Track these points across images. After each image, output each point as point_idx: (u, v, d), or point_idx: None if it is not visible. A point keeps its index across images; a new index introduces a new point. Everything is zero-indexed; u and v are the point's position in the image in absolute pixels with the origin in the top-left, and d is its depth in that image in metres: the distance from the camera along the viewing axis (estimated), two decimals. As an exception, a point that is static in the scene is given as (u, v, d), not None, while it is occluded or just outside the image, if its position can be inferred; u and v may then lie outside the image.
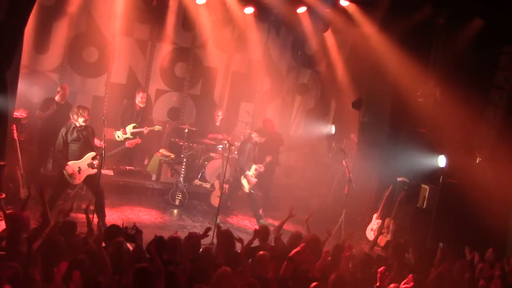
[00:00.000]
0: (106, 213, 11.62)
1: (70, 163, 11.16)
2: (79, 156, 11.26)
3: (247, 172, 13.46)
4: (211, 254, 7.87)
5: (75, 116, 11.22)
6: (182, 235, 8.92)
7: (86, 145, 11.31)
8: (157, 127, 14.96)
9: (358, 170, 13.73)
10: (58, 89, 13.46)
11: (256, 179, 13.55)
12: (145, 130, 14.55)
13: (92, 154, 11.29)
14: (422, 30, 12.98)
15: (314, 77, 18.01)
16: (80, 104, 13.03)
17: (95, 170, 11.32)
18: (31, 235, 7.65)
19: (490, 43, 12.32)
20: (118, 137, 14.49)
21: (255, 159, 13.80)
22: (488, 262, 9.77)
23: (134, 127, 14.52)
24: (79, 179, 11.30)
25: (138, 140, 12.51)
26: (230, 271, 6.94)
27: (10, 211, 9.53)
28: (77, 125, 11.21)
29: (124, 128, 14.50)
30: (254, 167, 13.59)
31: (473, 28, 12.48)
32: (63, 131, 11.30)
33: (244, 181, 13.54)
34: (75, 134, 11.25)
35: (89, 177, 11.39)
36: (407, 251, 9.65)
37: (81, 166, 11.23)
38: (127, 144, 12.27)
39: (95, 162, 11.29)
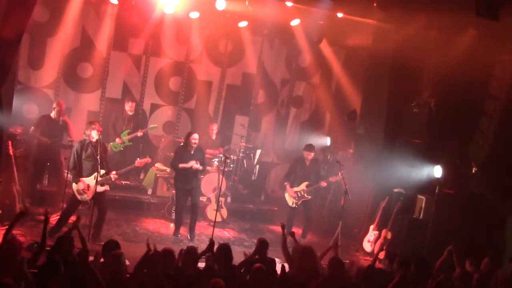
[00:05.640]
0: (102, 228, 11.80)
1: (82, 179, 11.35)
2: (90, 173, 11.42)
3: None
4: (212, 270, 7.86)
5: (87, 131, 11.42)
6: (179, 249, 8.90)
7: (99, 162, 11.37)
8: (152, 126, 15.05)
9: (354, 182, 13.71)
10: (54, 105, 13.38)
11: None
12: (139, 133, 14.62)
13: (103, 171, 11.39)
14: (416, 41, 13.00)
15: (308, 89, 18.03)
16: (74, 119, 13.21)
17: (103, 188, 11.50)
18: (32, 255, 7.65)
19: (484, 53, 12.34)
20: (115, 147, 14.51)
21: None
22: (484, 272, 9.75)
23: (129, 133, 14.57)
24: (88, 196, 11.44)
25: (148, 160, 12.52)
26: (222, 282, 6.97)
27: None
28: (92, 140, 11.39)
29: (119, 137, 14.52)
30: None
31: (467, 38, 12.52)
32: (77, 147, 11.50)
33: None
34: (89, 151, 11.44)
35: (97, 194, 11.46)
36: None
37: (90, 183, 11.35)
38: (136, 163, 12.26)
39: (107, 178, 11.46)
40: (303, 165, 13.89)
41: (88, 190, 11.38)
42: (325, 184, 13.88)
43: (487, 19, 10.38)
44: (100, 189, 11.42)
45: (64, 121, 13.42)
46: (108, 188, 14.06)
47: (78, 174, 11.44)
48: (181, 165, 12.85)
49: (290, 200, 13.74)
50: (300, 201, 13.65)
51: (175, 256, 7.95)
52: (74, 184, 11.46)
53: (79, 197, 11.44)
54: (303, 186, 13.66)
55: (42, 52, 14.81)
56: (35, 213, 12.01)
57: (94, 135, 11.37)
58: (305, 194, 13.63)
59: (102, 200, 11.61)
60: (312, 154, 13.82)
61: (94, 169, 11.36)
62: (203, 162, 13.16)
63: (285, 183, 13.94)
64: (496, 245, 12.24)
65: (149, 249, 7.76)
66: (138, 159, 12.36)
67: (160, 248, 8.11)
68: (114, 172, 11.51)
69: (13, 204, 11.58)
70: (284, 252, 9.32)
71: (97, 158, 11.28)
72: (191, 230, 13.18)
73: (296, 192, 13.66)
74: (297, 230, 13.22)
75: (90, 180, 11.37)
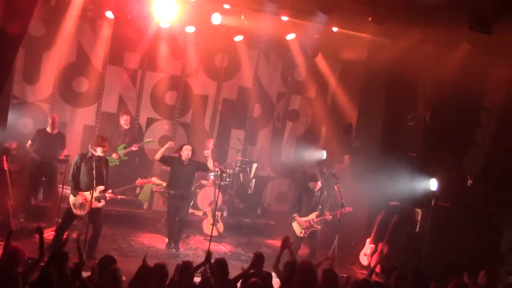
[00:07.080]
0: (97, 246, 11.59)
1: (81, 193, 11.20)
2: (88, 187, 11.25)
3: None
4: (208, 285, 7.83)
5: (94, 146, 11.25)
6: (175, 263, 8.87)
7: (98, 177, 11.21)
8: (147, 140, 15.05)
9: (350, 195, 13.69)
10: (48, 119, 13.45)
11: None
12: (133, 147, 14.63)
13: (101, 187, 11.27)
14: (411, 55, 13.04)
15: (304, 103, 18.06)
16: (70, 133, 13.17)
17: (101, 204, 11.32)
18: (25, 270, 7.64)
19: (478, 66, 12.41)
20: (111, 162, 14.46)
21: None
22: (481, 285, 9.71)
23: (124, 148, 14.56)
24: (84, 210, 11.25)
25: (149, 180, 12.51)
26: None
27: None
28: (95, 154, 11.22)
29: (115, 152, 14.50)
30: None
31: (461, 52, 12.56)
32: (77, 158, 11.39)
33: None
34: (89, 164, 11.24)
35: (93, 210, 11.32)
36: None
37: (88, 197, 11.19)
38: (137, 182, 12.27)
39: (104, 195, 11.30)
40: (311, 195, 13.43)
41: (86, 204, 11.20)
42: (330, 216, 13.35)
43: (480, 33, 10.43)
44: (97, 204, 11.28)
45: (61, 135, 13.43)
46: (104, 203, 14.13)
47: (77, 187, 11.27)
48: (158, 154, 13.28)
49: (298, 230, 13.27)
50: (309, 231, 13.27)
51: (167, 271, 7.90)
52: (72, 197, 11.29)
53: (75, 211, 11.27)
54: (312, 216, 13.27)
55: (37, 67, 14.82)
56: (29, 229, 11.98)
57: (99, 152, 11.24)
58: (315, 224, 13.35)
59: (97, 216, 11.40)
60: (319, 183, 13.43)
61: (92, 184, 11.14)
62: (201, 166, 13.48)
63: (294, 214, 13.31)
64: (492, 257, 12.24)
65: (145, 263, 7.71)
66: (140, 178, 12.33)
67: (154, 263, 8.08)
68: (110, 191, 11.38)
69: (7, 219, 11.54)
70: (275, 269, 9.24)
71: (95, 173, 11.13)
72: (176, 242, 13.18)
73: (307, 221, 13.28)
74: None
75: (88, 195, 11.20)
